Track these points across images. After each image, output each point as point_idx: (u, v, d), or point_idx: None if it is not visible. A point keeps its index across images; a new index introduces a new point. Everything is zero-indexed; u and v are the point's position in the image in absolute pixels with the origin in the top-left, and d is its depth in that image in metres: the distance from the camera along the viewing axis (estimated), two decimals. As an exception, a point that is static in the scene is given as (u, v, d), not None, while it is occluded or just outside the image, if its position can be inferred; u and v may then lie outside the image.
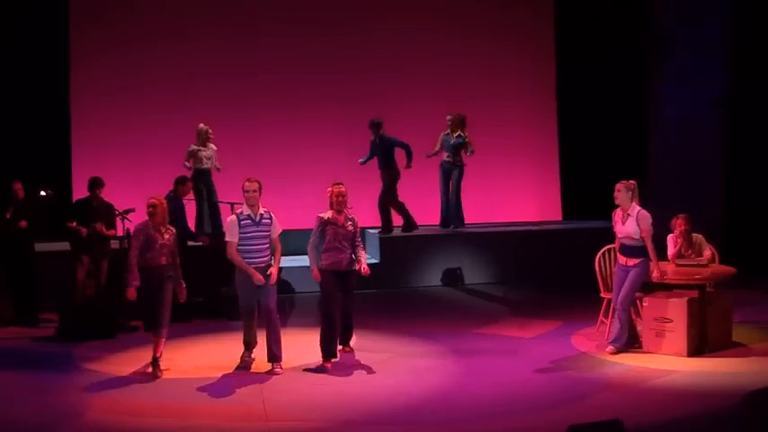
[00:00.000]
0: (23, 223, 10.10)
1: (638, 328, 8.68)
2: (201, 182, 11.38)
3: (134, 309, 8.66)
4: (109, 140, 12.85)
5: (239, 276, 8.10)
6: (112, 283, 9.97)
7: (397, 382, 7.83)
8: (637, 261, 8.30)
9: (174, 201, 10.40)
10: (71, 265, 10.20)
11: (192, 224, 11.20)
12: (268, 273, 8.04)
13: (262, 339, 8.22)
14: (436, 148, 12.56)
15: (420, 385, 7.75)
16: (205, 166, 11.40)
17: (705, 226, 9.79)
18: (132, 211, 10.07)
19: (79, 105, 12.93)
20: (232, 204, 10.62)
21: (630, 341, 8.56)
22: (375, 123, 12.00)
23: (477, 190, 13.65)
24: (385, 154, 12.04)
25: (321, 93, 13.45)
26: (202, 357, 8.69)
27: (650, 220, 8.27)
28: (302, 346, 8.54)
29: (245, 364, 8.25)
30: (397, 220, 12.52)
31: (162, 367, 8.04)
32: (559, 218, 14.29)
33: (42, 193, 10.36)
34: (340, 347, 8.52)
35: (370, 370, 8.19)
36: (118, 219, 10.26)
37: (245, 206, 8.11)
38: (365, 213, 12.33)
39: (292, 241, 10.89)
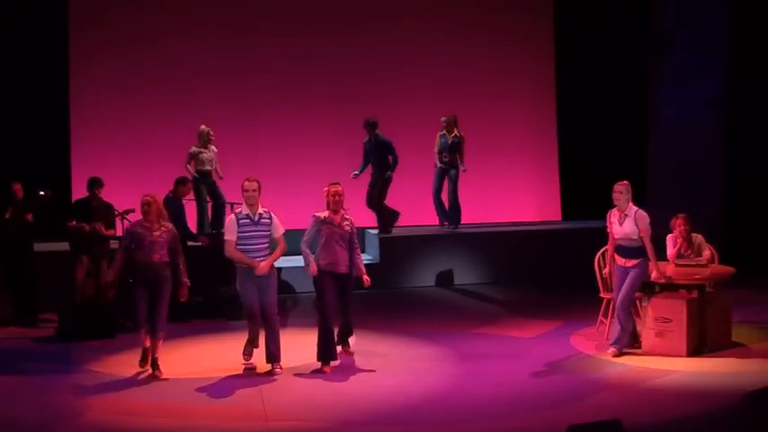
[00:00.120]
0: (29, 216, 10.10)
1: (638, 328, 8.68)
2: (203, 184, 11.37)
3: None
4: (108, 140, 12.85)
5: (240, 276, 8.09)
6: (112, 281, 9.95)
7: (397, 383, 7.83)
8: (636, 262, 8.29)
9: (174, 201, 10.42)
10: (71, 265, 10.20)
11: (193, 225, 11.19)
12: (259, 266, 7.96)
13: (261, 340, 8.22)
14: (437, 152, 12.57)
15: (419, 385, 7.76)
16: (206, 167, 11.39)
17: (704, 226, 9.79)
18: (132, 211, 10.07)
19: (79, 105, 12.92)
20: (232, 204, 10.64)
21: (630, 341, 8.56)
22: (371, 123, 11.98)
23: (476, 190, 13.65)
24: (380, 155, 12.04)
25: (321, 93, 13.44)
26: (202, 357, 8.70)
27: (648, 220, 8.27)
28: (302, 346, 8.54)
29: (248, 354, 8.30)
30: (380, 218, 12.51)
31: (140, 369, 8.04)
32: (559, 218, 14.29)
33: (41, 192, 10.36)
34: (339, 348, 8.50)
35: (369, 370, 8.19)
36: (117, 219, 10.26)
37: (244, 206, 8.11)
38: (365, 213, 12.36)
39: (292, 241, 10.83)
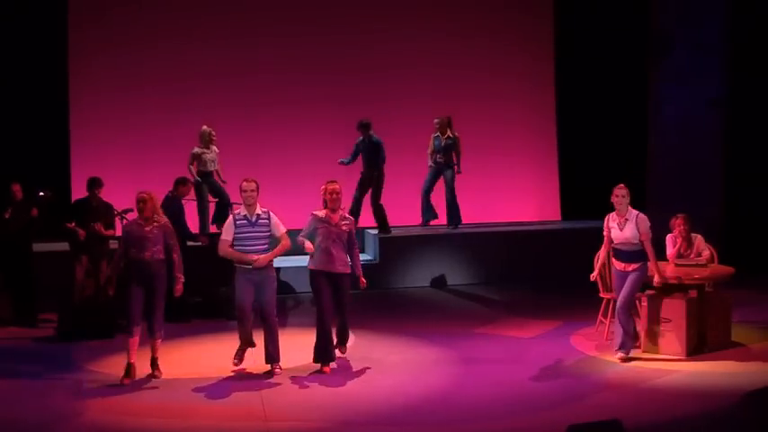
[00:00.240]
0: (35, 211, 10.10)
1: (638, 328, 8.68)
2: (205, 184, 11.36)
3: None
4: (108, 140, 12.83)
5: (237, 275, 8.06)
6: (108, 279, 9.95)
7: (396, 383, 7.83)
8: (636, 266, 8.22)
9: (174, 201, 10.42)
10: (70, 265, 10.20)
11: (195, 226, 11.19)
12: (255, 259, 7.93)
13: (259, 341, 8.21)
14: (430, 153, 12.59)
15: (419, 385, 7.76)
16: (209, 168, 11.38)
17: (704, 226, 9.79)
18: (131, 210, 10.03)
19: (78, 105, 12.91)
20: (231, 204, 10.64)
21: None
22: (365, 124, 11.99)
23: (476, 190, 13.65)
24: (374, 154, 12.05)
25: (321, 93, 13.43)
26: (201, 357, 8.70)
27: (649, 223, 8.23)
28: (301, 346, 8.51)
29: (238, 359, 8.24)
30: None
31: (123, 383, 7.79)
32: (558, 218, 14.29)
33: (41, 193, 10.36)
34: (337, 349, 8.47)
35: (368, 370, 8.20)
36: (117, 219, 10.26)
37: (243, 206, 8.11)
38: (366, 213, 12.36)
39: (291, 241, 10.86)
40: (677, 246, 9.10)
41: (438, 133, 12.49)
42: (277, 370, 8.10)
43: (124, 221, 9.99)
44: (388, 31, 13.60)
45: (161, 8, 13.14)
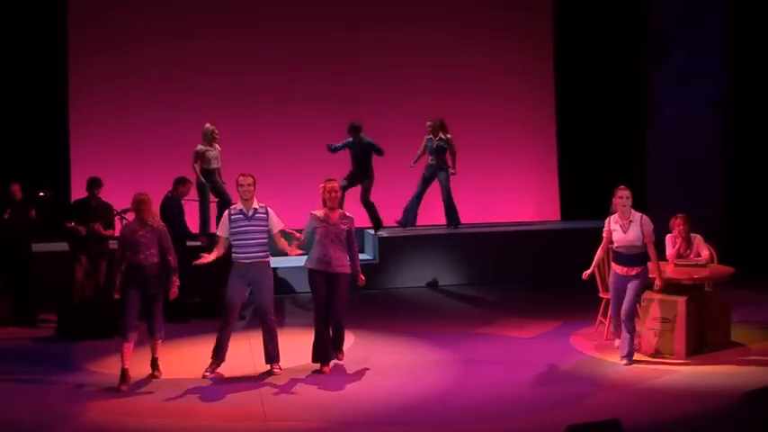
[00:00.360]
0: (33, 212, 10.09)
1: (638, 328, 8.67)
2: (209, 183, 11.36)
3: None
4: (108, 140, 12.84)
5: (231, 273, 8.02)
6: (110, 283, 9.96)
7: (395, 383, 7.83)
8: (638, 270, 8.10)
9: (174, 201, 10.42)
10: (70, 265, 10.20)
11: (196, 225, 11.19)
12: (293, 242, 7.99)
13: (258, 342, 8.21)
14: (419, 154, 12.59)
15: (418, 385, 7.76)
16: (212, 166, 11.38)
17: (704, 226, 9.79)
18: (130, 210, 10.06)
19: (78, 105, 12.91)
20: (232, 204, 10.60)
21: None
22: (356, 127, 11.98)
23: (475, 190, 13.66)
24: (365, 156, 12.07)
25: (320, 91, 13.43)
26: (201, 358, 8.67)
27: (652, 226, 8.17)
28: (300, 346, 8.51)
29: (211, 369, 8.01)
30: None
31: (120, 389, 7.66)
32: (558, 217, 14.30)
33: (41, 194, 10.36)
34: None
35: (368, 370, 8.19)
36: (116, 219, 10.26)
37: (239, 201, 8.09)
38: (361, 213, 12.35)
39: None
40: (677, 246, 9.10)
41: (431, 135, 12.48)
42: (276, 370, 8.10)
43: (124, 221, 10.01)
44: (387, 31, 13.61)
45: (160, 8, 13.15)
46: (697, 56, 13.08)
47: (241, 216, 8.01)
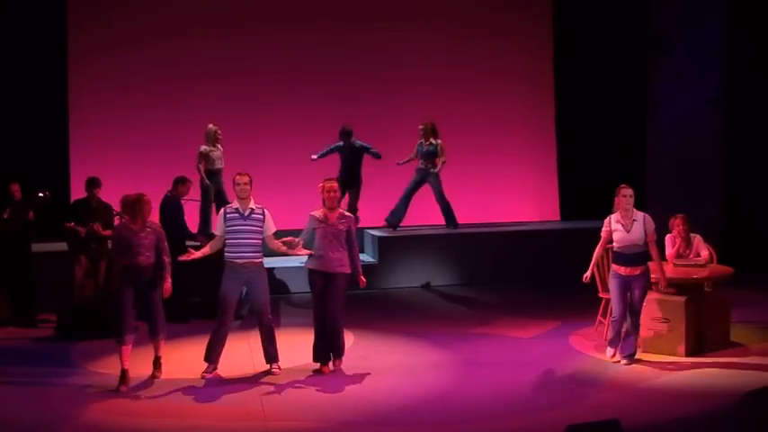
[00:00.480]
0: (31, 214, 10.09)
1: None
2: (213, 183, 11.34)
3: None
4: (107, 140, 12.84)
5: (225, 272, 8.00)
6: (110, 283, 9.96)
7: (395, 383, 7.83)
8: (641, 270, 8.03)
9: (173, 200, 10.42)
10: (69, 265, 10.20)
11: (196, 225, 11.18)
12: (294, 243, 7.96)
13: (257, 342, 8.21)
14: (410, 157, 12.56)
15: (418, 386, 7.76)
16: (216, 166, 11.37)
17: (704, 226, 9.79)
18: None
19: (78, 105, 12.91)
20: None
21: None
22: (347, 131, 11.96)
23: (475, 190, 13.66)
24: (355, 160, 12.07)
25: (320, 92, 13.43)
26: (200, 358, 8.65)
27: (654, 224, 8.14)
28: (299, 346, 8.52)
29: (208, 372, 7.98)
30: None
31: (120, 390, 7.62)
32: (557, 218, 14.30)
33: (40, 194, 10.36)
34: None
35: (367, 370, 8.18)
36: (116, 219, 10.26)
37: (236, 200, 8.09)
38: (364, 213, 12.37)
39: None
40: (676, 246, 9.10)
41: (422, 139, 12.46)
42: (276, 370, 8.09)
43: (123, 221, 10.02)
44: (387, 31, 13.61)
45: (160, 8, 13.15)
46: (697, 56, 13.09)
47: (237, 215, 8.00)
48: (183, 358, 8.63)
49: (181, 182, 10.53)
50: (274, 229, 8.14)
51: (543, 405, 7.18)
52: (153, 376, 7.97)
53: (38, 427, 6.86)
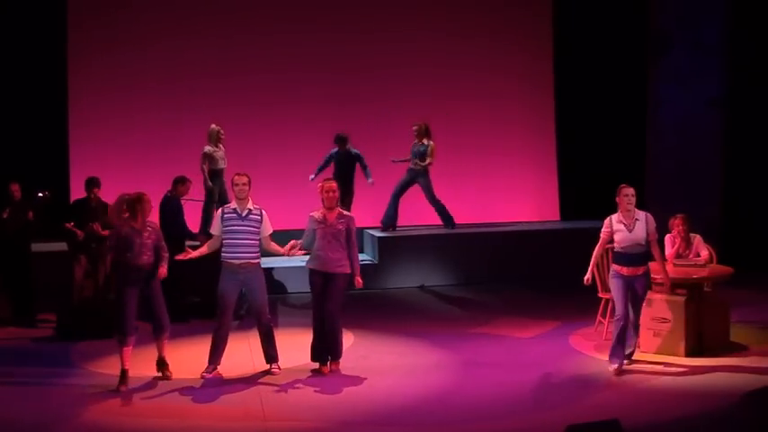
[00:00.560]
0: (30, 214, 10.09)
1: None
2: (216, 183, 11.34)
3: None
4: (107, 140, 12.83)
5: (222, 273, 8.00)
6: (110, 283, 9.95)
7: (395, 383, 7.83)
8: (643, 270, 7.94)
9: (173, 200, 10.42)
10: (69, 265, 10.20)
11: (196, 225, 11.18)
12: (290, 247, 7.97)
13: (256, 343, 8.21)
14: (407, 157, 12.53)
15: (418, 386, 7.76)
16: (220, 166, 11.37)
17: (703, 226, 9.79)
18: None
19: (77, 105, 12.91)
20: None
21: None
22: (343, 138, 11.91)
23: (475, 190, 13.66)
24: (349, 167, 12.06)
25: (320, 92, 13.43)
26: (200, 358, 8.65)
27: (655, 223, 8.12)
28: (299, 346, 8.51)
29: (208, 371, 7.97)
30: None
31: (120, 390, 7.62)
32: (557, 218, 14.29)
33: (40, 194, 10.36)
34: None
35: (367, 370, 8.18)
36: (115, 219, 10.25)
37: (234, 200, 8.09)
38: (364, 212, 12.35)
39: (285, 241, 10.84)
40: (676, 246, 9.10)
41: (416, 139, 12.45)
42: (276, 370, 8.09)
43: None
44: (387, 31, 13.60)
45: (160, 8, 13.15)
46: (696, 56, 13.09)
47: (234, 215, 7.99)
48: (183, 358, 8.62)
49: (180, 182, 10.53)
50: (271, 231, 8.14)
51: (543, 405, 7.18)
52: (165, 377, 7.91)
53: (38, 427, 6.86)
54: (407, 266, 12.34)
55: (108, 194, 10.42)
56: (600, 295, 9.06)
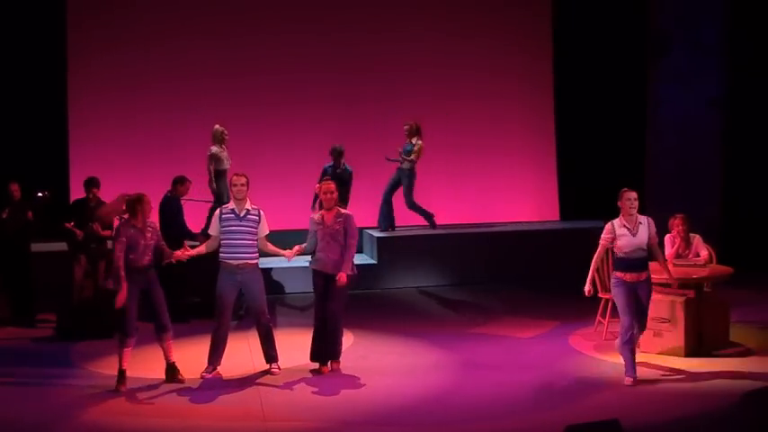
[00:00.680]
0: (30, 214, 10.09)
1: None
2: (222, 183, 11.34)
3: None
4: (107, 140, 12.84)
5: (220, 273, 8.01)
6: (110, 277, 9.93)
7: (394, 383, 7.83)
8: (646, 274, 7.80)
9: (173, 200, 10.42)
10: (69, 265, 10.20)
11: (196, 225, 11.17)
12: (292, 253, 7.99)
13: (256, 343, 8.21)
14: (398, 157, 12.53)
15: (417, 386, 7.76)
16: (224, 166, 11.37)
17: (703, 226, 9.79)
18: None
19: (77, 105, 12.91)
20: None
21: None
22: (339, 151, 11.68)
23: (474, 190, 13.66)
24: (340, 183, 12.00)
25: (321, 92, 13.43)
26: (200, 358, 8.66)
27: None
28: (299, 346, 8.51)
29: (208, 371, 7.98)
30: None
31: (118, 390, 7.60)
32: (557, 218, 14.29)
33: (39, 194, 10.36)
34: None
35: (367, 370, 8.18)
36: (115, 219, 10.25)
37: (232, 200, 8.09)
38: (364, 212, 12.35)
39: (292, 241, 10.84)
40: (675, 246, 9.10)
41: (407, 139, 12.43)
42: (275, 370, 8.09)
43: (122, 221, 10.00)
44: (388, 32, 13.61)
45: (160, 8, 13.15)
46: (696, 56, 13.08)
47: (232, 216, 7.99)
48: (183, 358, 8.60)
49: (180, 182, 10.53)
50: (267, 231, 8.14)
51: (543, 405, 7.18)
52: (178, 380, 7.83)
53: (38, 427, 6.86)
54: (407, 267, 12.34)
55: (108, 194, 10.44)
56: (600, 295, 9.04)
